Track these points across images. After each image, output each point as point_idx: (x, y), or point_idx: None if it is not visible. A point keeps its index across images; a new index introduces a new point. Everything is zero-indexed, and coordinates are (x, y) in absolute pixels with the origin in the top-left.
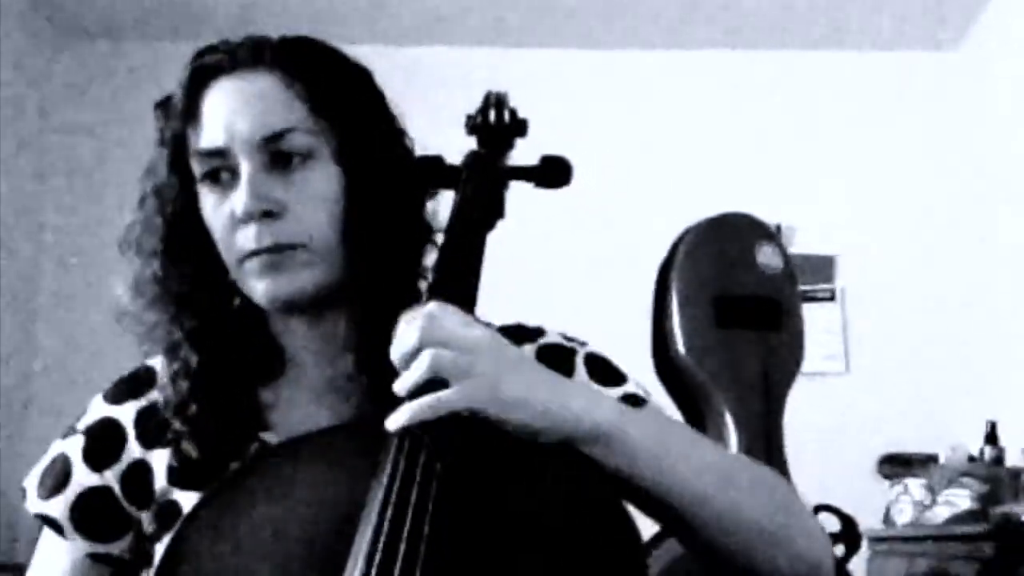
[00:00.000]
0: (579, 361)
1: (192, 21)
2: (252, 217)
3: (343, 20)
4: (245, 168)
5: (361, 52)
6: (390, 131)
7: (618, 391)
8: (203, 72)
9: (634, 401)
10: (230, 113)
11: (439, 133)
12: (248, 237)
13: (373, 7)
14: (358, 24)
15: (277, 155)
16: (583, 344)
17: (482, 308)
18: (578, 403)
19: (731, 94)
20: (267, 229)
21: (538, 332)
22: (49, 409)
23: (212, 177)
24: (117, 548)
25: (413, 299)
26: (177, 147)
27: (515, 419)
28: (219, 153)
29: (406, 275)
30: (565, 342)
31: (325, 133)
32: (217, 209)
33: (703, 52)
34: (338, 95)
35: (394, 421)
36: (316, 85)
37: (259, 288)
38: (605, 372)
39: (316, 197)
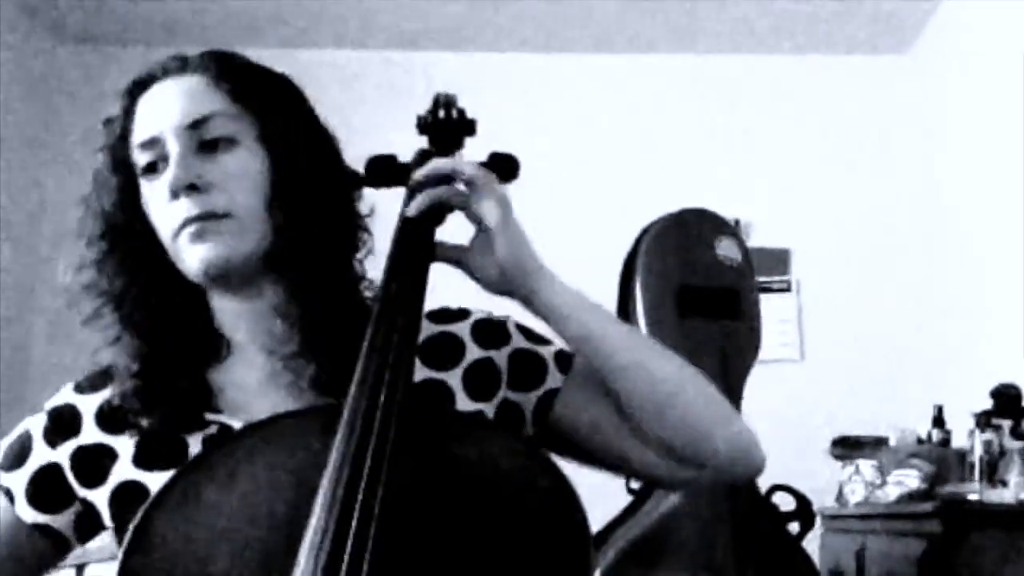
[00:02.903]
0: (511, 327)
1: (185, 26)
2: (181, 190)
3: (317, 25)
4: (174, 149)
5: (352, 56)
6: (309, 119)
7: (551, 348)
8: (139, 83)
9: (566, 358)
10: (161, 107)
11: (395, 134)
12: (180, 209)
13: (353, 13)
14: (338, 29)
15: (203, 139)
16: (506, 316)
17: (446, 300)
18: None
19: (691, 96)
20: (196, 200)
21: (465, 312)
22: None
23: (150, 168)
24: (58, 521)
25: (346, 275)
26: (120, 147)
27: (511, 239)
28: (153, 142)
29: (333, 248)
30: (493, 316)
31: (247, 119)
32: (154, 194)
33: (663, 56)
34: (256, 87)
35: (415, 207)
36: (236, 80)
37: (192, 255)
38: (536, 335)
39: (240, 175)
